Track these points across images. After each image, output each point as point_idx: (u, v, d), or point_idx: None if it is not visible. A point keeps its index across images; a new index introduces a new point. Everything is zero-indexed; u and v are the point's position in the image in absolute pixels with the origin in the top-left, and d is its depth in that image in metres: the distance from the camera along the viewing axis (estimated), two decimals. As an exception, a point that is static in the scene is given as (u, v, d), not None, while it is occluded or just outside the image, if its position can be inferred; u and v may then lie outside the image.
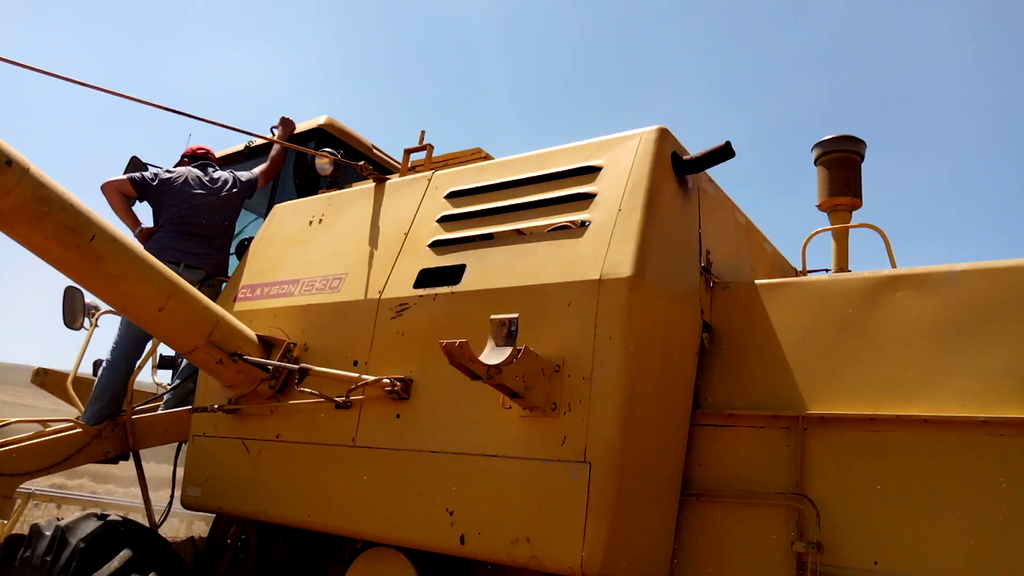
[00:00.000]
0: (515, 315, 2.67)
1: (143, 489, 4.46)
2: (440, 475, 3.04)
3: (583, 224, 3.04)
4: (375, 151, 5.52)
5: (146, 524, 4.29)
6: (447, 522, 2.94)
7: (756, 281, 3.21)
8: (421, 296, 3.36)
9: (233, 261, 5.14)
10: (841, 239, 4.44)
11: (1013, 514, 2.40)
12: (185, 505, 4.01)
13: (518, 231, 3.27)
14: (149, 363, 5.27)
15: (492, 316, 2.70)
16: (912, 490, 2.59)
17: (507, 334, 2.68)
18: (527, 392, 2.75)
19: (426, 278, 3.41)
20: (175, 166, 5.05)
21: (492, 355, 2.64)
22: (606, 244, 2.93)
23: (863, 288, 2.93)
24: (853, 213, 4.52)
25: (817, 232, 4.43)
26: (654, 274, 2.88)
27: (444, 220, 3.55)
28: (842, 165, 4.52)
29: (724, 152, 3.10)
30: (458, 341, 2.55)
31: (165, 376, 5.45)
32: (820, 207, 4.58)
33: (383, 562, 3.26)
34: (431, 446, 3.10)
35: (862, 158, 4.59)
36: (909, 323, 2.77)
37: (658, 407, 2.90)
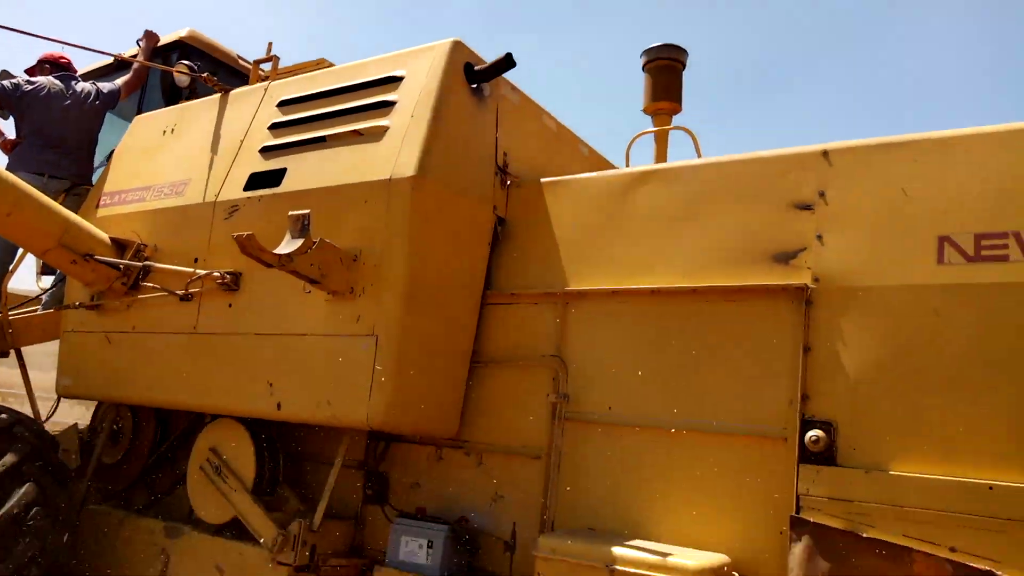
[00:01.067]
0: (307, 211, 3.07)
1: (26, 384, 4.85)
2: (263, 354, 3.49)
3: (383, 129, 3.42)
4: (240, 61, 5.72)
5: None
6: (268, 393, 3.42)
7: (541, 179, 3.64)
8: (249, 198, 3.73)
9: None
10: (661, 141, 4.89)
11: (715, 364, 2.94)
12: (60, 394, 4.44)
13: (330, 136, 3.63)
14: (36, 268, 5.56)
15: (289, 212, 3.10)
16: (640, 349, 3.12)
17: (300, 228, 3.09)
18: (324, 279, 3.19)
19: (255, 181, 3.78)
20: (31, 68, 5.20)
21: (286, 246, 3.06)
22: (398, 148, 3.32)
23: (622, 183, 3.39)
24: (673, 117, 4.96)
25: (639, 135, 4.87)
26: (439, 174, 3.28)
27: (274, 127, 3.89)
28: (664, 72, 4.93)
29: (506, 62, 3.48)
30: (246, 233, 2.95)
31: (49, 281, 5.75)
32: (644, 111, 5.00)
33: (224, 430, 3.75)
34: (256, 329, 3.55)
35: (683, 66, 5.00)
36: (651, 211, 3.25)
37: (446, 289, 3.37)
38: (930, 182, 2.67)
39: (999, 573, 2.27)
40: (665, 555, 2.63)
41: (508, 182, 3.70)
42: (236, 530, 3.62)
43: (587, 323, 3.28)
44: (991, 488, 2.35)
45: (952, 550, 2.36)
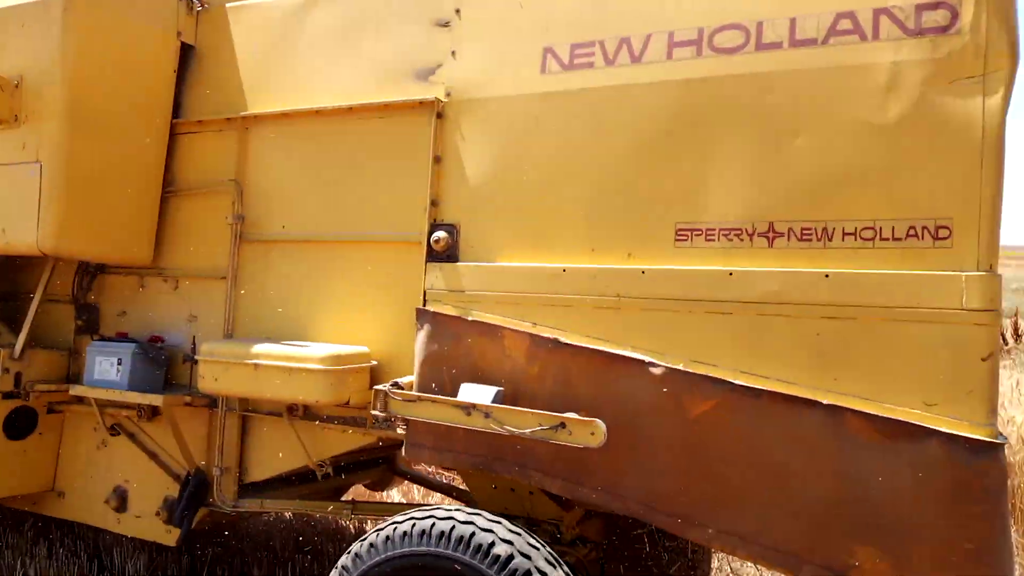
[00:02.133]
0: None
1: None
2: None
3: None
4: None
5: None
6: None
7: (227, 4, 3.61)
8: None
9: None
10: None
11: (366, 178, 3.14)
12: None
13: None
14: None
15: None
16: (306, 168, 3.27)
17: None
18: (-20, 106, 3.13)
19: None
20: None
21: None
22: (61, -28, 3.20)
23: (293, 7, 3.40)
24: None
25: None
26: (97, -2, 3.22)
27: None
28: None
29: None
30: None
31: None
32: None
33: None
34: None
35: None
36: (317, 34, 3.31)
37: (121, 116, 3.37)
38: (541, -5, 2.85)
39: (564, 339, 2.64)
40: (302, 348, 2.91)
41: (196, 8, 3.64)
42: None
43: (263, 147, 3.39)
44: (564, 271, 2.70)
45: (533, 324, 2.72)
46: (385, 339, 3.06)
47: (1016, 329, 11.12)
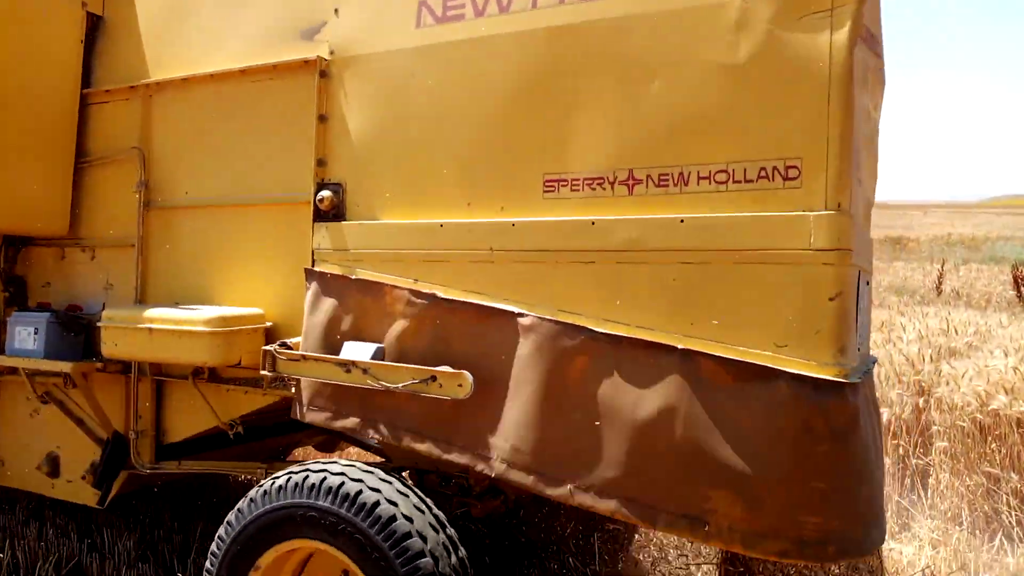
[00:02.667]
0: None
1: None
2: None
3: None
4: None
5: None
6: None
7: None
8: None
9: None
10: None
11: (259, 140, 3.14)
12: None
13: None
14: None
15: None
16: (205, 133, 3.28)
17: None
18: None
19: None
20: None
21: None
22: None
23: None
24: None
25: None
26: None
27: None
28: None
29: None
30: None
31: None
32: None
33: None
34: None
35: None
36: (213, -3, 3.30)
37: (25, 88, 3.39)
38: (417, -54, 2.81)
39: (441, 294, 2.65)
40: (190, 311, 2.95)
41: (103, -23, 3.64)
42: None
43: (165, 114, 3.40)
44: (441, 226, 2.70)
45: (415, 280, 2.73)
46: (281, 300, 3.08)
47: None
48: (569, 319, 2.45)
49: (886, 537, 2.69)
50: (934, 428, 4.78)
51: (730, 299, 2.26)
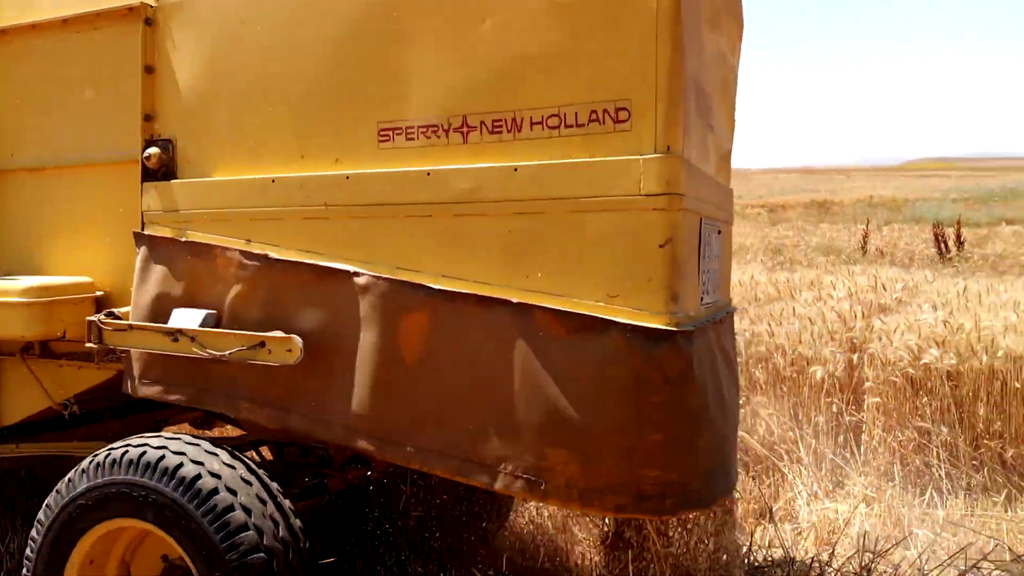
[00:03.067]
0: None
1: None
2: None
3: None
4: None
5: None
6: None
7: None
8: None
9: None
10: None
11: (80, 96, 2.89)
12: None
13: None
14: None
15: None
16: (30, 90, 3.02)
17: None
18: None
19: None
20: None
21: None
22: None
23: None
24: None
25: None
26: None
27: None
28: None
29: None
30: None
31: None
32: None
33: None
34: None
35: None
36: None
37: None
38: None
39: (273, 255, 2.49)
40: (6, 282, 2.71)
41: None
42: None
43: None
44: (273, 181, 2.53)
45: (248, 241, 2.56)
46: (114, 268, 2.87)
47: (959, 237, 11.38)
48: (407, 276, 2.33)
49: (736, 485, 2.66)
50: (867, 384, 4.83)
51: (564, 249, 2.16)
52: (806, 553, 3.79)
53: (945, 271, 8.44)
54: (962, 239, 11.15)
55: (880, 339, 4.94)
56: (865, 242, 11.99)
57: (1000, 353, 4.37)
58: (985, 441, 4.32)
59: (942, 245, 11.24)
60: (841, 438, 4.86)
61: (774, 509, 4.22)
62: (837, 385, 4.96)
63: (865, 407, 4.87)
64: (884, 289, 6.50)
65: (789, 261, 11.02)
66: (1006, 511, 4.05)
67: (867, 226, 12.45)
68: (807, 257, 11.42)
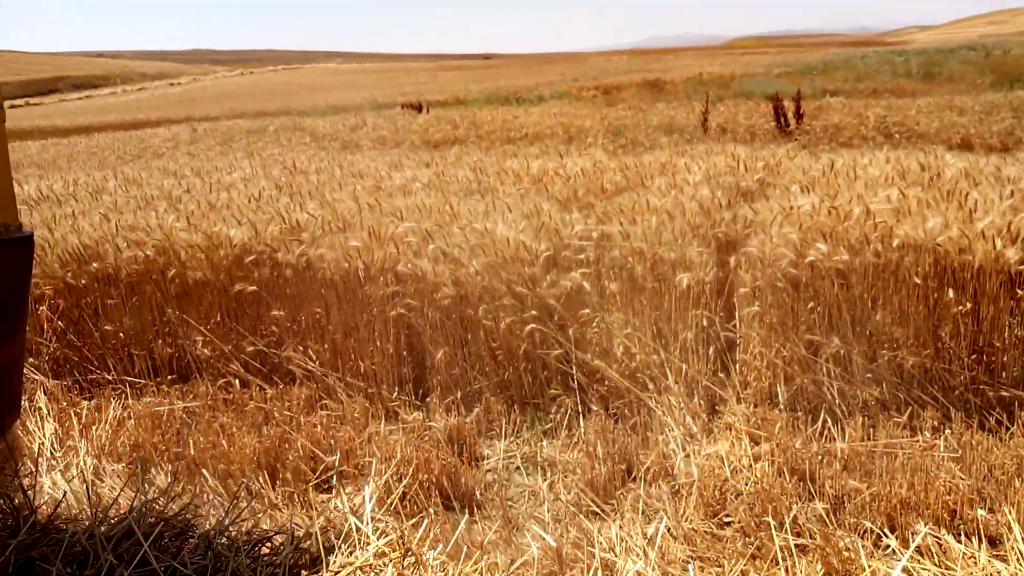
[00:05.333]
0: None
1: None
2: None
3: None
4: None
5: None
6: None
7: None
8: None
9: None
10: None
11: None
12: None
13: None
14: None
15: None
16: None
17: None
18: None
19: None
20: None
21: None
22: None
23: None
24: None
25: None
26: None
27: None
28: None
29: None
30: None
31: None
32: None
33: None
34: None
35: None
36: None
37: None
38: None
39: None
40: None
41: None
42: None
43: None
44: None
45: None
46: None
47: (798, 110, 10.85)
48: None
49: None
50: (741, 291, 3.95)
51: None
52: (689, 520, 2.92)
53: (791, 145, 7.82)
54: (802, 112, 10.70)
55: (755, 234, 4.07)
56: (705, 119, 11.33)
57: (896, 243, 3.59)
58: (883, 351, 3.59)
59: (782, 119, 10.79)
60: (714, 357, 4.03)
61: (646, 463, 3.34)
62: (706, 292, 4.07)
63: (739, 318, 4.05)
64: (745, 169, 5.68)
65: (631, 143, 10.20)
66: (914, 433, 3.36)
67: (707, 102, 11.80)
68: (649, 137, 10.62)
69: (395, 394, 4.15)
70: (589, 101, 21.01)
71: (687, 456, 3.41)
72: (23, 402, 4.23)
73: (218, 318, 4.57)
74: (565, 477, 3.38)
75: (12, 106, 55.28)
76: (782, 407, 3.73)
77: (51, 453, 3.75)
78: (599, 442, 3.50)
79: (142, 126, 23.42)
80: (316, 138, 13.50)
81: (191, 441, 3.67)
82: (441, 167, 7.13)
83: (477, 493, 3.34)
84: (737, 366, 3.98)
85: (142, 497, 3.18)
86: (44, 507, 3.16)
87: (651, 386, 3.89)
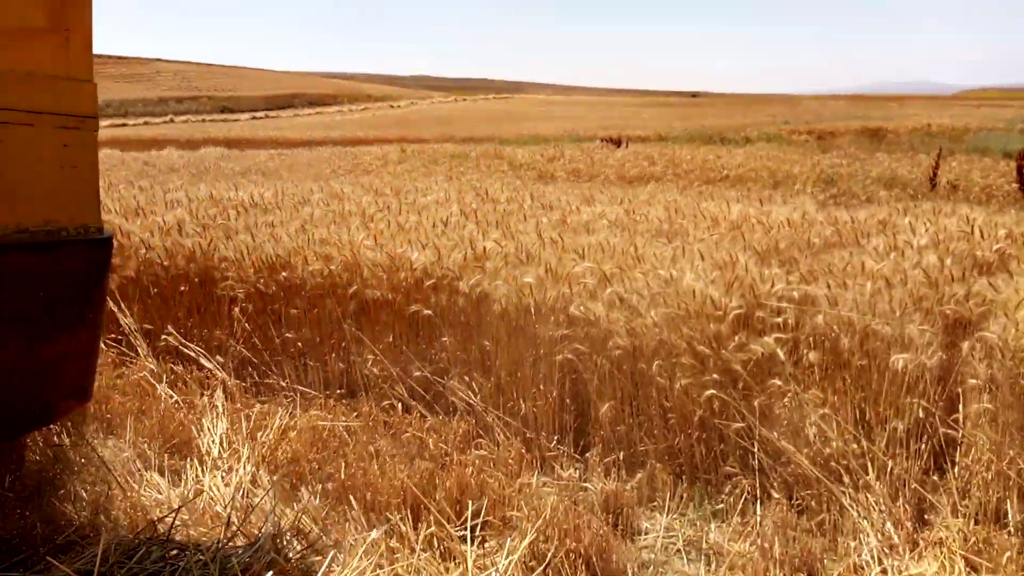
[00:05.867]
0: None
1: None
2: None
3: None
4: None
5: None
6: None
7: None
8: None
9: None
10: None
11: None
12: None
13: None
14: None
15: None
16: None
17: None
18: None
19: None
20: None
21: None
22: None
23: None
24: None
25: None
26: None
27: None
28: None
29: None
30: None
31: None
32: None
33: None
34: None
35: None
36: None
37: None
38: None
39: None
40: None
41: None
42: None
43: None
44: None
45: None
46: None
47: None
48: None
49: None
50: (971, 382, 3.27)
51: None
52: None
53: (1041, 211, 6.75)
54: (1052, 173, 9.35)
55: (993, 315, 3.41)
56: (935, 174, 10.19)
57: None
58: None
59: (1025, 180, 9.47)
60: (928, 455, 3.40)
61: (833, 573, 2.82)
62: (926, 378, 3.45)
63: (965, 414, 3.39)
64: (982, 236, 4.89)
65: (844, 194, 9.35)
66: None
67: (939, 155, 10.63)
68: (866, 190, 9.70)
69: (553, 443, 3.89)
70: (800, 146, 19.88)
71: (883, 572, 2.86)
72: (203, 398, 4.42)
73: (390, 339, 4.56)
74: (732, 573, 2.94)
75: (253, 117, 61.87)
76: (1012, 530, 3.06)
77: (218, 452, 3.85)
78: (777, 537, 3.02)
79: (360, 143, 25.30)
80: (513, 167, 13.73)
81: (343, 463, 3.62)
82: (632, 204, 6.86)
83: (630, 573, 2.98)
84: (956, 470, 3.33)
85: (289, 516, 3.15)
86: (198, 509, 3.21)
87: (847, 479, 3.34)
